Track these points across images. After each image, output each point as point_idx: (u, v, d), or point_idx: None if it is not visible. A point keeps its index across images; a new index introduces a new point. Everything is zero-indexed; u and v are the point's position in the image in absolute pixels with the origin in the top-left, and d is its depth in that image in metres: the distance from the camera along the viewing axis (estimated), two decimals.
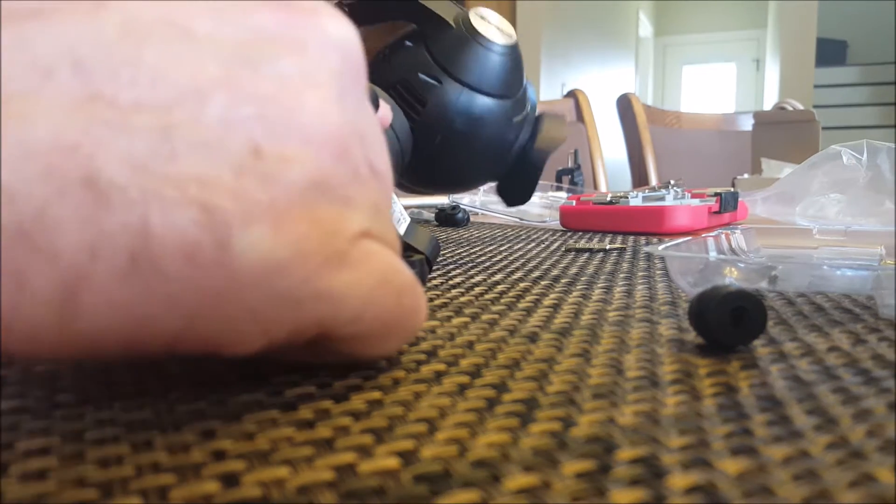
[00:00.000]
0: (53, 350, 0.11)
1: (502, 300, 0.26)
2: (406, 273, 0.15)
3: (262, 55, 0.13)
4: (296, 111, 0.13)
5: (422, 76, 0.31)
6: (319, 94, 0.13)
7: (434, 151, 0.29)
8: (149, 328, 0.12)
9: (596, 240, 0.49)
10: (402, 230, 0.28)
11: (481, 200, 0.71)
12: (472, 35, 0.32)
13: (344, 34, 0.15)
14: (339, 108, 0.14)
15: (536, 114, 0.37)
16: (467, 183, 0.34)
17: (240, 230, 0.12)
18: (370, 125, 0.16)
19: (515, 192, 0.38)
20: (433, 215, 0.66)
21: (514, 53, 0.33)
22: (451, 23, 0.32)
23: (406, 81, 0.31)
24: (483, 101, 0.32)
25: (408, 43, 0.32)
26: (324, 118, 0.13)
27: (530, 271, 0.34)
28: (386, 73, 0.31)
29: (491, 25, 0.33)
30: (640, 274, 0.32)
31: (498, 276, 0.32)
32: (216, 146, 0.12)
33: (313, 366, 0.17)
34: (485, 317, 0.23)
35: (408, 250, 0.28)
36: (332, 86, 0.14)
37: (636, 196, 0.55)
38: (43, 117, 0.10)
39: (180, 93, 0.12)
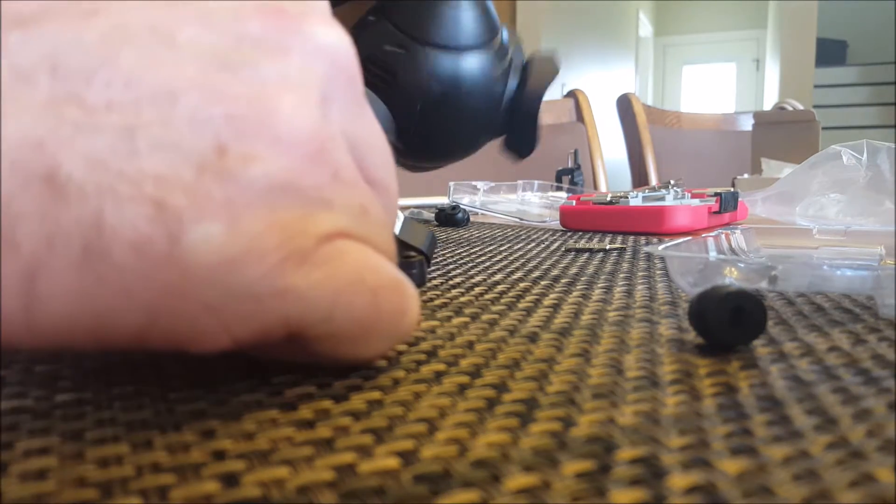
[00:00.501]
0: (23, 337, 0.12)
1: (502, 300, 0.26)
2: (387, 273, 0.15)
3: (243, 59, 0.13)
4: (268, 112, 0.13)
5: (387, 47, 0.30)
6: (296, 97, 0.13)
7: (419, 120, 0.29)
8: (110, 320, 0.12)
9: (596, 240, 0.49)
10: (396, 228, 0.28)
11: (481, 200, 0.71)
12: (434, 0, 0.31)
13: (334, 41, 0.15)
14: (318, 112, 0.14)
15: (525, 59, 0.35)
16: (465, 146, 0.32)
17: (190, 225, 0.12)
18: (366, 134, 0.16)
19: (521, 144, 0.36)
20: (433, 215, 0.66)
21: (478, 2, 0.32)
22: None
23: (373, 56, 0.31)
24: (454, 59, 0.31)
25: (370, 18, 0.31)
26: (298, 120, 0.13)
27: (530, 271, 0.34)
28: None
29: None
30: (640, 274, 0.32)
31: (498, 276, 0.32)
32: (180, 145, 0.12)
33: (313, 366, 0.17)
34: (485, 317, 0.23)
35: (406, 250, 0.28)
36: (312, 90, 0.14)
37: (636, 196, 0.55)
38: (14, 117, 0.11)
39: (153, 93, 0.12)
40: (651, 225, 0.52)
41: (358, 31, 0.31)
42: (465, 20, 0.32)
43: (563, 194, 0.84)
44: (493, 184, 0.73)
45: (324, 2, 0.15)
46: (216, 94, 0.12)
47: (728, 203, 0.55)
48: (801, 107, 1.55)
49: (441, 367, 0.17)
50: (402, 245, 0.28)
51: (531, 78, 0.35)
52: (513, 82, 0.35)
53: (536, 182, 0.88)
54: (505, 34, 0.35)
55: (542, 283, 0.30)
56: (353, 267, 0.14)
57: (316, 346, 0.14)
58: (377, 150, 0.17)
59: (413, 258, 0.28)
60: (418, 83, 0.31)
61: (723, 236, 0.32)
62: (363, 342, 0.15)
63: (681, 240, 0.29)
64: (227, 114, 0.12)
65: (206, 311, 0.12)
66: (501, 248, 0.44)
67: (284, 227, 0.13)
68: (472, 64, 0.32)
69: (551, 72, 0.30)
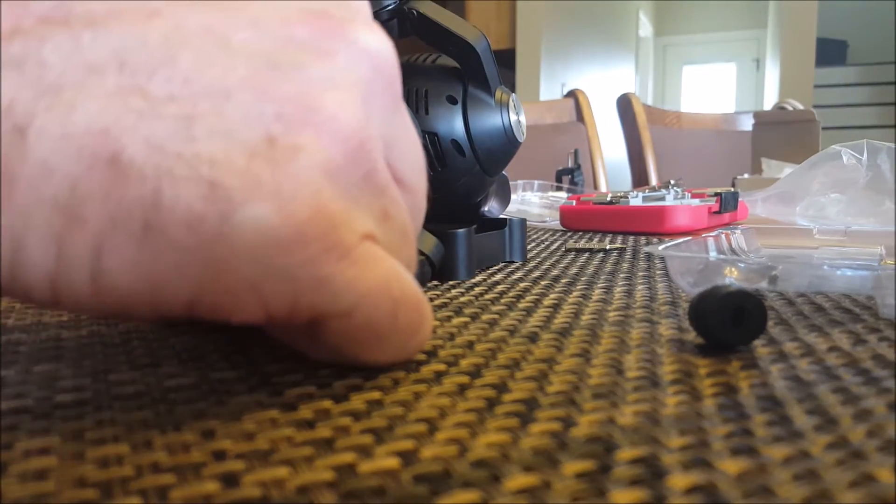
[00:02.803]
0: (88, 304, 0.13)
1: (502, 300, 0.26)
2: (411, 288, 0.16)
3: (291, 61, 0.14)
4: (315, 108, 0.14)
5: (455, 142, 0.33)
6: (340, 96, 0.14)
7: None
8: (164, 290, 0.13)
9: (596, 240, 0.49)
10: None
11: None
12: (506, 128, 0.34)
13: (377, 46, 0.15)
14: (360, 112, 0.14)
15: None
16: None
17: (241, 205, 0.12)
18: (401, 135, 0.17)
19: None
20: None
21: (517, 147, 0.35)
22: (492, 100, 0.33)
23: (437, 137, 0.33)
24: (482, 179, 0.35)
25: (449, 98, 0.33)
26: (340, 117, 0.14)
27: (530, 271, 0.34)
28: (420, 117, 0.32)
29: (519, 118, 0.35)
30: (641, 274, 0.32)
31: (498, 276, 0.32)
32: (233, 134, 0.13)
33: (313, 366, 0.17)
34: (485, 317, 0.23)
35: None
36: (355, 90, 0.15)
37: (636, 196, 0.55)
38: (83, 106, 0.12)
39: (209, 89, 0.13)
40: (651, 225, 0.52)
41: (430, 96, 0.33)
42: (508, 159, 0.35)
43: (563, 194, 0.84)
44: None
45: (366, 6, 0.16)
46: (267, 93, 0.13)
47: (728, 203, 0.55)
48: (801, 107, 1.54)
49: (441, 367, 0.17)
50: None
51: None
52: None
53: (536, 182, 0.88)
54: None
55: (542, 283, 0.30)
56: (383, 273, 0.15)
57: (327, 338, 0.15)
58: (410, 151, 0.17)
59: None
60: (451, 184, 0.34)
61: (723, 236, 0.32)
62: (373, 348, 0.15)
63: (681, 240, 0.29)
64: (277, 110, 0.13)
65: (249, 286, 0.13)
66: None
67: (328, 217, 0.13)
68: (486, 186, 0.36)
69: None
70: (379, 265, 0.15)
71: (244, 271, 0.13)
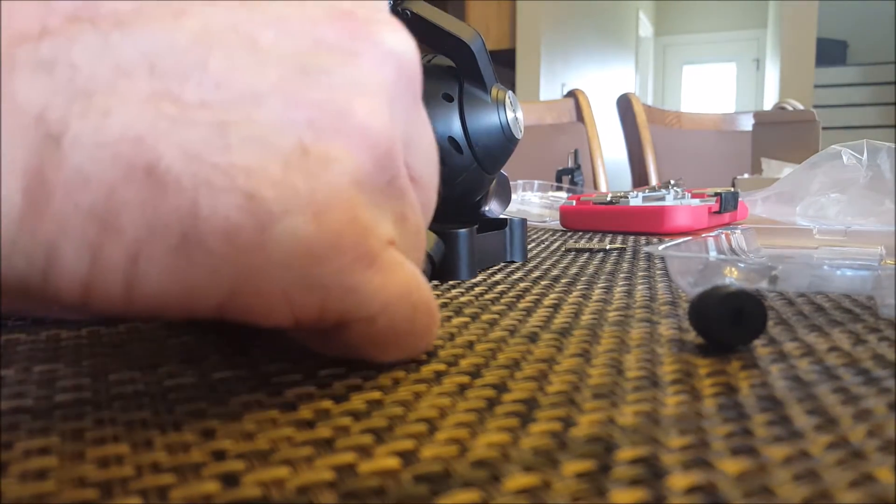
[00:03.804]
0: (121, 308, 0.13)
1: (502, 300, 0.26)
2: (426, 293, 0.16)
3: (319, 65, 0.14)
4: (344, 116, 0.14)
5: (452, 140, 0.33)
6: (368, 103, 0.14)
7: None
8: (197, 295, 0.13)
9: (596, 240, 0.49)
10: None
11: None
12: (503, 125, 0.34)
13: (401, 46, 0.15)
14: (386, 117, 0.15)
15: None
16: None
17: (279, 216, 0.13)
18: (419, 132, 0.17)
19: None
20: None
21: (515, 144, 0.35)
22: (489, 98, 0.34)
23: (434, 135, 0.33)
24: (481, 177, 0.35)
25: (445, 96, 0.33)
26: (369, 125, 0.14)
27: (530, 271, 0.34)
28: None
29: (516, 115, 0.35)
30: (641, 274, 0.32)
31: (498, 276, 0.32)
32: (267, 143, 0.13)
33: (313, 366, 0.17)
34: (485, 317, 0.23)
35: None
36: (382, 95, 0.15)
37: (636, 196, 0.55)
38: (117, 111, 0.12)
39: (240, 95, 0.13)
40: (651, 225, 0.52)
41: (427, 97, 0.33)
42: (506, 157, 0.35)
43: (563, 194, 0.84)
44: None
45: (385, 5, 0.16)
46: (297, 99, 0.13)
47: (728, 203, 0.55)
48: (801, 107, 1.55)
49: (441, 367, 0.17)
50: None
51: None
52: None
53: (536, 182, 0.88)
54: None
55: (543, 283, 0.30)
56: (404, 280, 0.15)
57: (349, 339, 0.15)
58: (425, 147, 0.17)
59: None
60: (449, 182, 0.34)
61: (723, 236, 0.32)
62: (390, 349, 0.16)
63: (681, 240, 0.29)
64: (308, 116, 0.13)
65: (281, 294, 0.13)
66: None
67: (361, 226, 0.14)
68: (485, 183, 0.36)
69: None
70: (401, 271, 0.15)
71: (278, 279, 0.13)
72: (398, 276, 0.15)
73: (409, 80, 0.16)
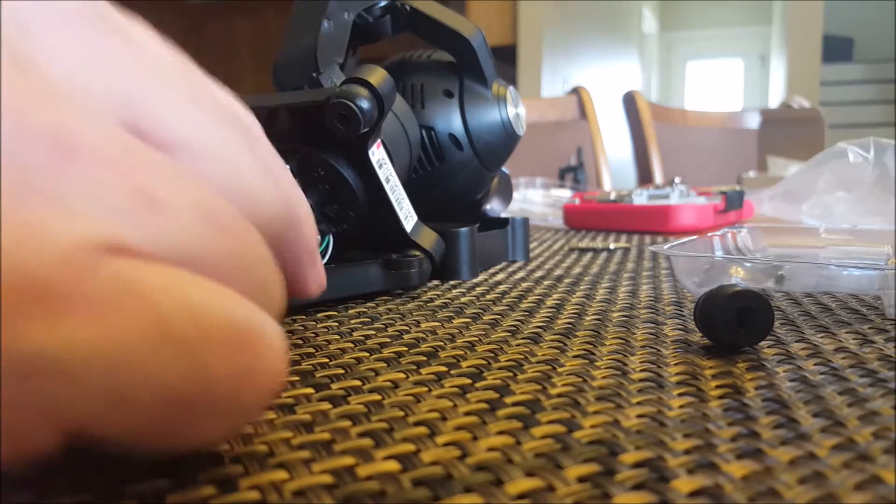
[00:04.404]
0: None
1: (504, 300, 0.26)
2: (215, 309, 0.10)
3: None
4: None
5: (452, 136, 0.33)
6: None
7: (425, 202, 0.30)
8: None
9: (600, 239, 0.48)
10: (408, 227, 0.28)
11: None
12: (504, 121, 0.34)
13: None
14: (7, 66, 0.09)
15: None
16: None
17: None
18: (142, 73, 0.11)
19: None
20: None
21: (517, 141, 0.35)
22: (489, 94, 0.33)
23: (434, 131, 0.33)
24: (482, 174, 0.34)
25: (445, 92, 0.33)
26: None
27: (532, 271, 0.33)
28: (416, 112, 0.32)
29: (518, 111, 0.35)
30: (645, 274, 0.32)
31: (500, 276, 0.32)
32: None
33: (311, 367, 0.17)
34: (486, 317, 0.23)
35: (410, 248, 0.28)
36: None
37: (640, 194, 0.55)
38: None
39: None
40: (656, 224, 0.52)
41: (426, 92, 0.34)
42: (508, 153, 0.35)
43: (566, 192, 0.84)
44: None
45: None
46: None
47: (734, 202, 0.54)
48: (807, 104, 1.54)
49: (441, 368, 0.17)
50: (409, 244, 0.28)
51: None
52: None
53: (539, 180, 0.88)
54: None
55: (545, 283, 0.30)
56: (147, 306, 0.09)
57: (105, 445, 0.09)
58: (173, 93, 0.11)
59: (413, 256, 0.28)
60: (450, 178, 0.34)
61: (729, 235, 0.31)
62: (190, 422, 0.10)
63: (686, 239, 0.29)
64: None
65: None
66: None
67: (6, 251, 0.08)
68: (486, 180, 0.36)
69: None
70: (132, 297, 0.09)
71: None
72: (129, 304, 0.09)
73: (72, 7, 0.11)
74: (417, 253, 0.28)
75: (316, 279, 0.15)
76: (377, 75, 0.25)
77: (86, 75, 0.10)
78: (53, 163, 0.09)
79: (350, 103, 0.24)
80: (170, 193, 0.10)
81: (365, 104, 0.24)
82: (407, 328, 0.22)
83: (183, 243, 0.10)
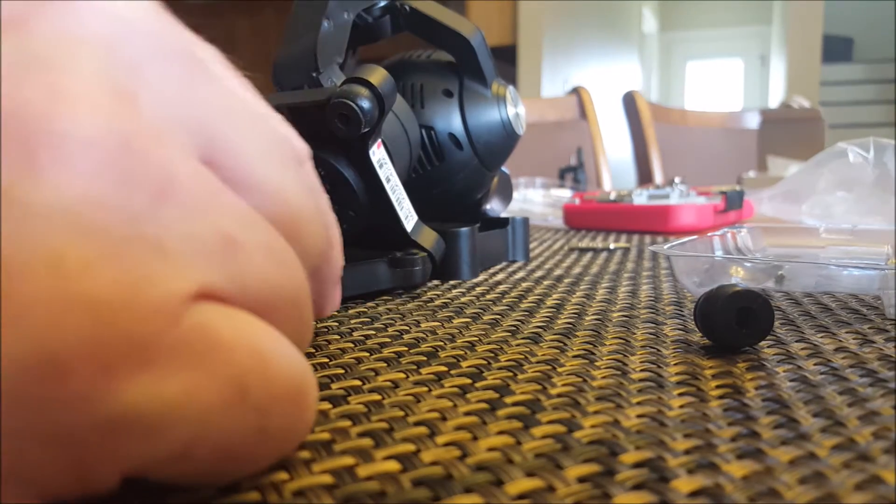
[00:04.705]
0: None
1: (504, 300, 0.26)
2: (281, 371, 0.10)
3: None
4: (39, 131, 0.09)
5: (452, 136, 0.33)
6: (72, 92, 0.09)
7: (425, 202, 0.31)
8: None
9: (600, 239, 0.48)
10: (409, 227, 0.28)
11: None
12: (504, 120, 0.34)
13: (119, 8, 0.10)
14: (111, 99, 0.09)
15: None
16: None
17: None
18: (225, 110, 0.11)
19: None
20: None
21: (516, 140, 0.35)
22: (489, 93, 0.33)
23: (434, 131, 0.33)
24: (482, 173, 0.34)
25: (445, 91, 0.33)
26: (80, 125, 0.09)
27: (533, 271, 0.33)
28: (416, 111, 0.32)
29: (517, 110, 0.35)
30: (645, 274, 0.32)
31: (500, 276, 0.32)
32: None
33: (312, 366, 0.17)
34: (486, 317, 0.23)
35: (411, 248, 0.28)
36: (92, 64, 0.09)
37: (641, 194, 0.55)
38: None
39: None
40: (656, 224, 0.52)
41: (426, 91, 0.34)
42: (507, 153, 0.35)
43: (566, 192, 0.84)
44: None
45: None
46: None
47: (734, 201, 0.54)
48: (807, 104, 1.54)
49: (441, 368, 0.17)
50: (409, 243, 0.28)
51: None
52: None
53: (539, 180, 0.88)
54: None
55: (545, 283, 0.30)
56: (227, 364, 0.09)
57: (163, 479, 0.10)
58: (247, 130, 0.11)
59: (416, 255, 0.28)
60: (450, 177, 0.34)
61: (728, 235, 0.31)
62: (236, 469, 0.10)
63: (686, 239, 0.29)
64: None
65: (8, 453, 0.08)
66: None
67: (89, 308, 0.08)
68: (486, 179, 0.36)
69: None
70: (213, 353, 0.09)
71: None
72: (209, 361, 0.09)
73: (156, 41, 0.10)
74: (417, 251, 0.28)
75: (333, 302, 0.15)
76: (378, 75, 0.25)
77: (174, 110, 0.10)
78: (154, 204, 0.09)
79: (351, 103, 0.24)
80: (246, 235, 0.10)
81: (366, 104, 0.25)
82: (407, 328, 0.22)
83: (255, 284, 0.10)
